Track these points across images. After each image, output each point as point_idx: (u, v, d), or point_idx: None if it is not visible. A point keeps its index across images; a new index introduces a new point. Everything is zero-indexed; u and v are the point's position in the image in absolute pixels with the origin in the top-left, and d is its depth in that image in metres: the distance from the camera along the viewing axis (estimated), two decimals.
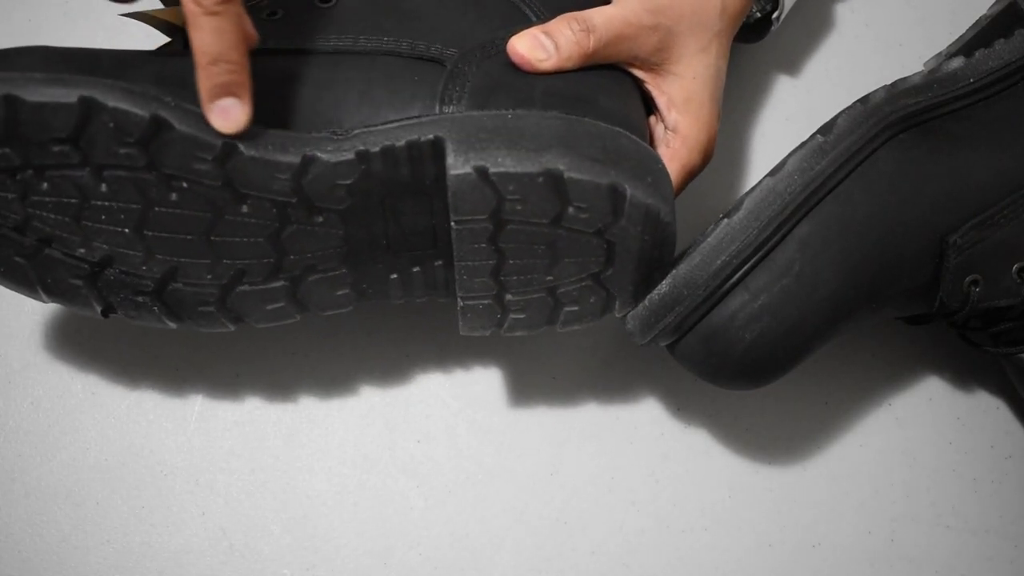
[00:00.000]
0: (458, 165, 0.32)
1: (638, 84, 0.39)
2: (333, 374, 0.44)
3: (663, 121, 0.39)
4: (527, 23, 0.37)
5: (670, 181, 0.36)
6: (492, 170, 0.32)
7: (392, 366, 0.44)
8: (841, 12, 0.52)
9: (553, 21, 0.36)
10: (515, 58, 0.35)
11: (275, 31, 0.35)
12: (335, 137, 0.33)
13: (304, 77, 0.34)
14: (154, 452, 0.42)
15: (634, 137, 0.35)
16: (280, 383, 0.43)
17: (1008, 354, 0.42)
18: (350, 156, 0.32)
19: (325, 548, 0.41)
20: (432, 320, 0.45)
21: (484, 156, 0.32)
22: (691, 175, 0.39)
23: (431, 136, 0.32)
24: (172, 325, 0.36)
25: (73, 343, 0.43)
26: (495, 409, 0.44)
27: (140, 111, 0.31)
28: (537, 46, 0.35)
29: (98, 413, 0.42)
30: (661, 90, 0.39)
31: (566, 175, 0.32)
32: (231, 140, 0.32)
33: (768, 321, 0.36)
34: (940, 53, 0.46)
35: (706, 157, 0.40)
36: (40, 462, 0.42)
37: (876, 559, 0.43)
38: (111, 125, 0.31)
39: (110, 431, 0.42)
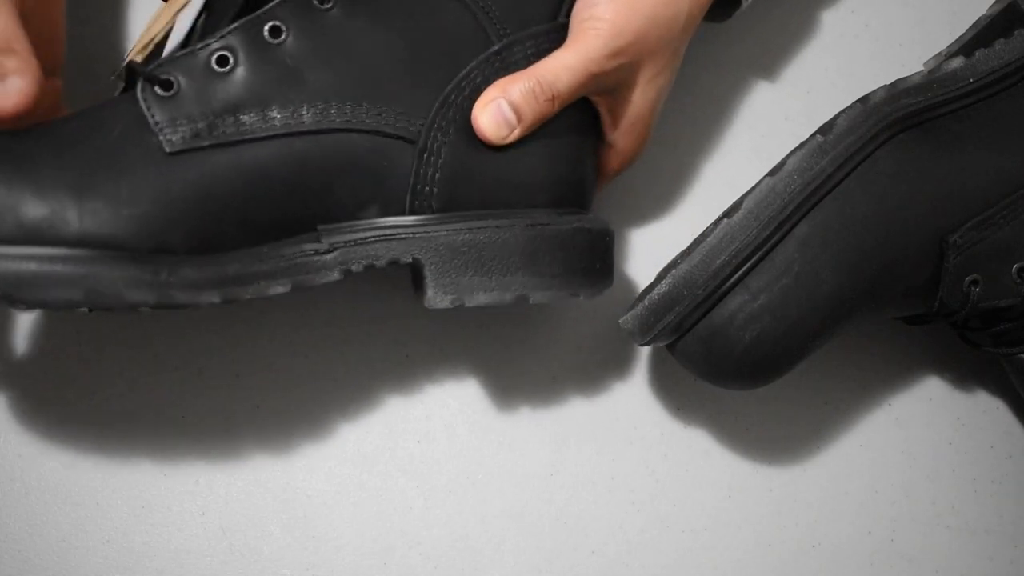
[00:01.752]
0: (437, 300, 0.36)
1: (589, 104, 0.39)
2: (333, 374, 0.44)
3: (604, 135, 0.40)
4: (487, 44, 0.37)
5: (612, 248, 0.39)
6: (468, 304, 0.36)
7: (392, 366, 0.44)
8: (841, 12, 0.52)
9: (516, 88, 0.36)
10: (480, 135, 0.36)
11: (236, 96, 0.34)
12: (317, 253, 0.35)
13: (274, 172, 0.34)
14: (154, 452, 0.42)
15: (588, 228, 0.38)
16: (280, 383, 0.43)
17: (1008, 354, 0.42)
18: (336, 276, 0.35)
19: (325, 548, 0.42)
20: (432, 320, 0.45)
21: (459, 288, 0.36)
22: (614, 177, 0.42)
23: (410, 259, 0.36)
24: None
25: (73, 343, 0.43)
26: (495, 409, 0.44)
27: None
28: (501, 123, 0.36)
29: (98, 413, 0.42)
30: (609, 110, 0.39)
31: (531, 298, 0.37)
32: (230, 288, 0.34)
33: (768, 321, 0.36)
34: (940, 53, 0.46)
35: (633, 162, 0.42)
36: (40, 462, 0.42)
37: (876, 559, 0.43)
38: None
39: (110, 431, 0.42)
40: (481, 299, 0.36)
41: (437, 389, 0.44)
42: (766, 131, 0.50)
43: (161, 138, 0.33)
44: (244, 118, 0.34)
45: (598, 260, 0.38)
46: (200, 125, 0.33)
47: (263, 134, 0.34)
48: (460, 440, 0.43)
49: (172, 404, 0.43)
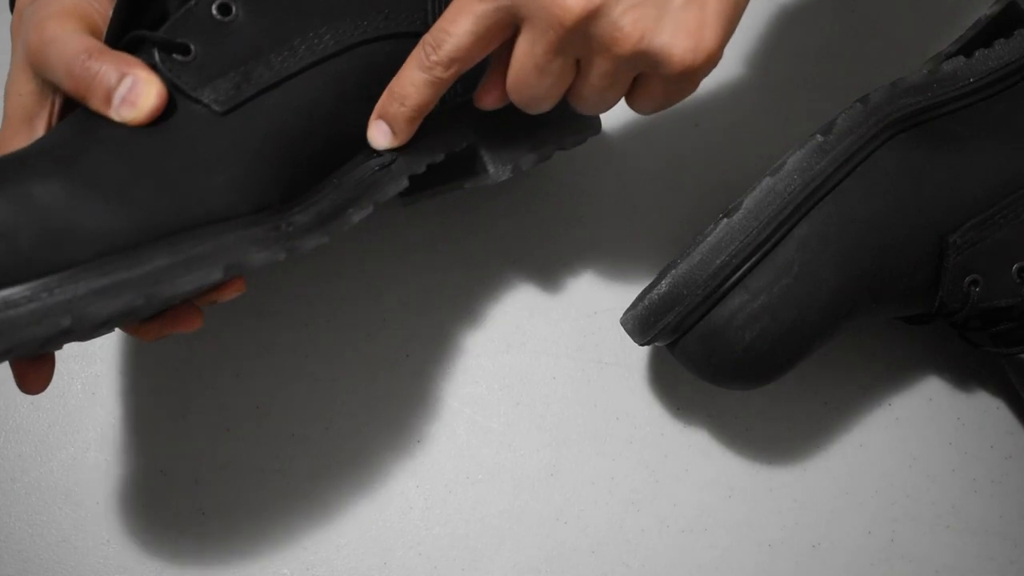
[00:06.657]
0: (499, 174, 0.39)
1: None
2: (333, 374, 0.44)
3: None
4: None
5: None
6: (524, 167, 0.40)
7: (392, 366, 0.44)
8: (841, 12, 0.52)
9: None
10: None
11: (255, 40, 0.33)
12: (383, 167, 0.36)
13: (319, 100, 0.34)
14: (154, 452, 0.42)
15: None
16: (280, 383, 0.43)
17: (1008, 354, 0.42)
18: (405, 183, 0.36)
19: (325, 548, 0.42)
20: (432, 321, 0.45)
21: (513, 157, 0.39)
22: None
23: (464, 145, 0.38)
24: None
25: (73, 343, 0.43)
26: (494, 409, 0.44)
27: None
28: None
29: (98, 413, 0.42)
30: None
31: (565, 144, 0.41)
32: (330, 224, 0.34)
33: (767, 321, 0.36)
34: (940, 53, 0.46)
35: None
36: (40, 462, 0.42)
37: (876, 559, 0.43)
38: None
39: (110, 431, 0.42)
40: (531, 159, 0.40)
41: (437, 389, 0.44)
42: (766, 131, 0.50)
43: (206, 101, 0.32)
44: (272, 58, 0.33)
45: None
46: (235, 77, 0.32)
47: (296, 68, 0.33)
48: (460, 440, 0.43)
49: (172, 404, 0.43)
